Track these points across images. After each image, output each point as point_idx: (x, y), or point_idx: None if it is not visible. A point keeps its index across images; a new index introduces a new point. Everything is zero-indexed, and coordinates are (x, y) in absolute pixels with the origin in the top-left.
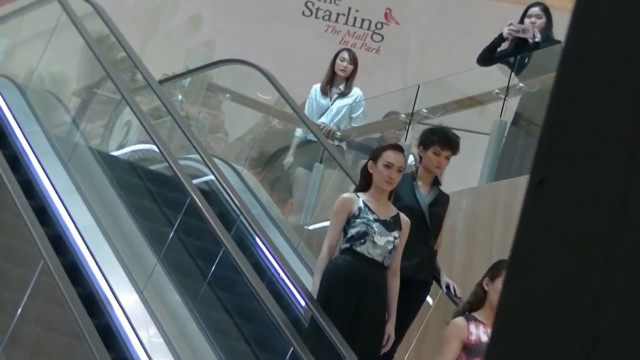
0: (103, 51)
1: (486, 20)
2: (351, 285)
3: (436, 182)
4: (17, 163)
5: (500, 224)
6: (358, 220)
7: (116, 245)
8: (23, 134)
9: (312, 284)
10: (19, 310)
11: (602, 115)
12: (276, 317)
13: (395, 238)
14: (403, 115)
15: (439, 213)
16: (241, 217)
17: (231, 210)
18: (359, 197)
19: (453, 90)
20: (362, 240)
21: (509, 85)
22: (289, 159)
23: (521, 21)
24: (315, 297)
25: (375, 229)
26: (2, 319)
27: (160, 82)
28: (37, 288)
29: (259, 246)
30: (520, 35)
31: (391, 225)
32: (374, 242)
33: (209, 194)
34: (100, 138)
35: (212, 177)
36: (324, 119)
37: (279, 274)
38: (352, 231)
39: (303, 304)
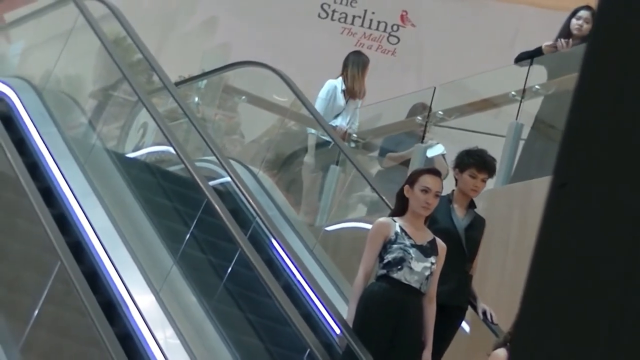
0: (119, 53)
1: (501, 22)
2: (388, 313)
3: (472, 205)
4: (34, 166)
5: (516, 226)
6: (395, 246)
7: (132, 246)
8: (40, 136)
9: (348, 311)
10: (35, 312)
11: (623, 118)
12: (292, 318)
13: (432, 264)
14: (419, 118)
15: (476, 237)
16: (257, 218)
17: (247, 212)
18: (395, 221)
19: (469, 92)
20: (399, 266)
21: (525, 87)
22: (310, 160)
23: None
24: (351, 325)
25: (412, 255)
26: (17, 324)
27: (177, 84)
28: (53, 291)
29: (274, 247)
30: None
31: (428, 250)
32: (410, 268)
33: (225, 195)
34: (116, 140)
35: (228, 178)
36: (340, 120)
37: (294, 275)
38: (388, 257)
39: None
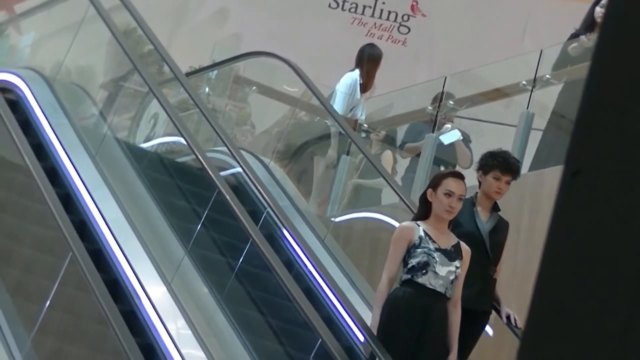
0: (130, 44)
1: (512, 12)
2: (412, 318)
3: (496, 208)
4: (44, 155)
5: (527, 216)
6: (419, 250)
7: (144, 237)
8: (51, 127)
9: (372, 317)
10: (47, 302)
11: (636, 105)
12: (305, 310)
13: (457, 268)
14: (430, 108)
15: (500, 240)
16: (268, 209)
17: (258, 203)
18: (418, 225)
19: (480, 82)
20: (424, 271)
21: (536, 76)
22: (333, 153)
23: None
24: (374, 331)
25: (437, 259)
26: (31, 307)
27: (187, 74)
28: (65, 279)
29: (286, 238)
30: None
31: (452, 254)
32: (435, 272)
33: (236, 186)
34: (127, 131)
35: (239, 169)
36: (353, 113)
37: (306, 266)
38: (412, 261)
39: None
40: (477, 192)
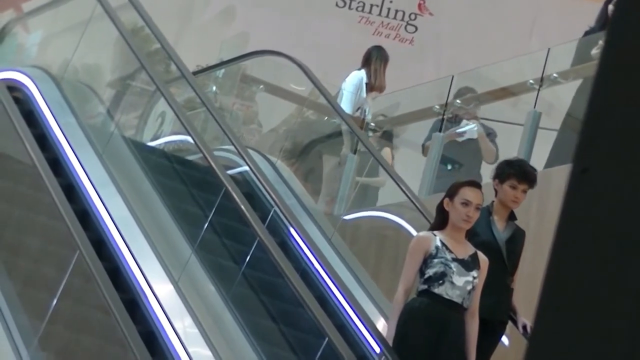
0: (137, 42)
1: (520, 11)
2: (429, 329)
3: (512, 217)
4: (51, 152)
5: (535, 215)
6: (435, 260)
7: (151, 236)
8: (58, 125)
9: (388, 328)
10: (57, 295)
11: None
12: (309, 306)
13: (474, 278)
14: (437, 107)
15: (517, 250)
16: (275, 207)
17: (265, 201)
18: (435, 235)
19: (487, 80)
20: (440, 281)
21: (543, 75)
22: (347, 152)
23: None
24: (390, 342)
25: (454, 269)
26: (40, 297)
27: (194, 73)
28: (73, 274)
29: (293, 236)
30: None
31: (470, 264)
32: (452, 282)
33: (243, 184)
34: (134, 129)
35: (246, 168)
36: (359, 113)
37: (313, 265)
38: (429, 272)
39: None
40: (493, 201)
